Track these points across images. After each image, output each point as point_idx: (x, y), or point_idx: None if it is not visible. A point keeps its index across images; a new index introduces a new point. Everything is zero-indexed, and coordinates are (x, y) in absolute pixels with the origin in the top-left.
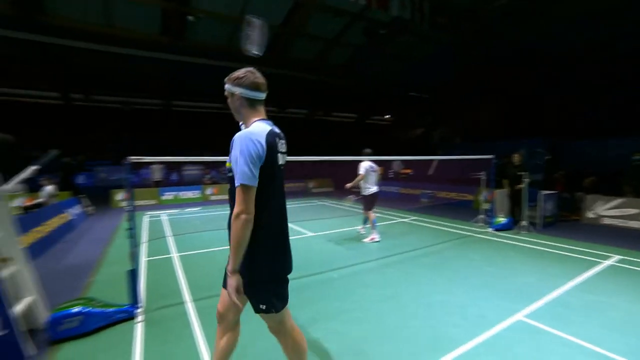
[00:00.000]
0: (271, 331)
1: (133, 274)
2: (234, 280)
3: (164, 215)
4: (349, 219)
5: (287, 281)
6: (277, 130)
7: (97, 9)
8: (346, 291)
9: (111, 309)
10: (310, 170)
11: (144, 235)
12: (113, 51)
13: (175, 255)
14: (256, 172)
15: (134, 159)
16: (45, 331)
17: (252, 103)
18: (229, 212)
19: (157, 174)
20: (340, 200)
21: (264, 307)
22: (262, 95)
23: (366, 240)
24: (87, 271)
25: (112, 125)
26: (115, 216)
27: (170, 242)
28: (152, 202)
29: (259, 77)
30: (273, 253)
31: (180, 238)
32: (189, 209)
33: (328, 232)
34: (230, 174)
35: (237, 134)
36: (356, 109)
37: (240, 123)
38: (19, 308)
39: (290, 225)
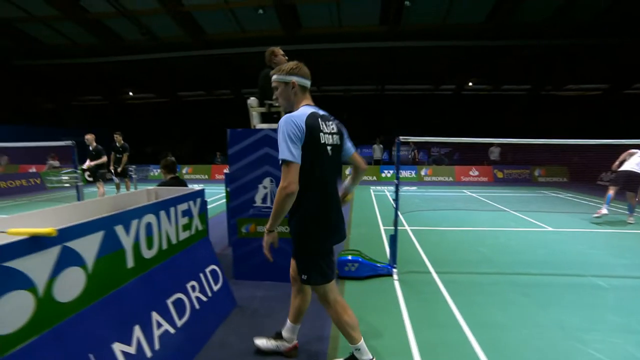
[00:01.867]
0: (319, 300)
1: (393, 239)
2: (268, 237)
3: (386, 191)
4: (604, 218)
5: (327, 256)
6: (321, 112)
7: (333, 15)
8: (625, 307)
9: (376, 264)
10: (535, 156)
11: (376, 207)
12: (339, 47)
13: (407, 228)
14: (295, 150)
15: (403, 138)
16: (337, 268)
17: (304, 90)
18: (431, 193)
19: (377, 153)
20: (579, 193)
21: (305, 277)
22: (309, 83)
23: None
24: None
25: (336, 109)
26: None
27: (400, 215)
28: (373, 178)
29: (305, 67)
30: (314, 228)
31: (408, 215)
32: (406, 187)
33: (574, 229)
34: None
35: (282, 118)
36: (605, 78)
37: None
38: None
39: (518, 214)
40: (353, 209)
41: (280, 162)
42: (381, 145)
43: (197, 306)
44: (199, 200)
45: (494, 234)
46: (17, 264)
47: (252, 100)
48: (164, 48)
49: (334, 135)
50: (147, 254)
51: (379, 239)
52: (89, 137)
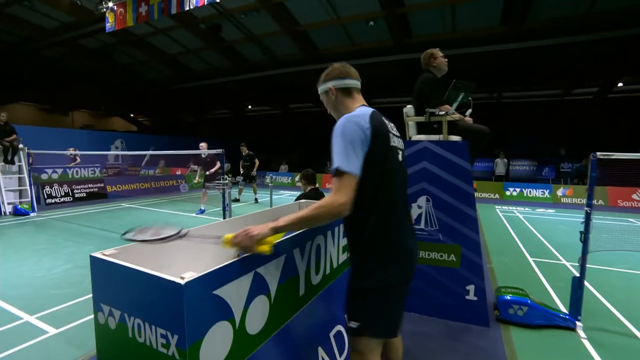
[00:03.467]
0: None
1: (579, 282)
2: (260, 228)
3: (516, 212)
4: None
5: (398, 298)
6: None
7: (447, 20)
8: None
9: (551, 311)
10: None
11: (511, 231)
12: (452, 53)
13: (565, 262)
14: (357, 157)
15: (600, 155)
16: (495, 308)
17: (348, 91)
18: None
19: (500, 167)
20: None
21: (355, 325)
22: (356, 83)
23: None
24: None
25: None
26: None
27: (547, 244)
28: (496, 195)
29: (346, 66)
30: (381, 257)
31: (563, 246)
32: (540, 210)
33: None
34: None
35: (339, 120)
36: None
37: None
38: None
39: None
40: (484, 232)
41: (333, 172)
42: (505, 160)
43: None
44: None
45: None
46: (223, 292)
47: (409, 109)
48: (279, 65)
49: (399, 139)
50: (315, 279)
51: (530, 272)
52: (203, 145)
